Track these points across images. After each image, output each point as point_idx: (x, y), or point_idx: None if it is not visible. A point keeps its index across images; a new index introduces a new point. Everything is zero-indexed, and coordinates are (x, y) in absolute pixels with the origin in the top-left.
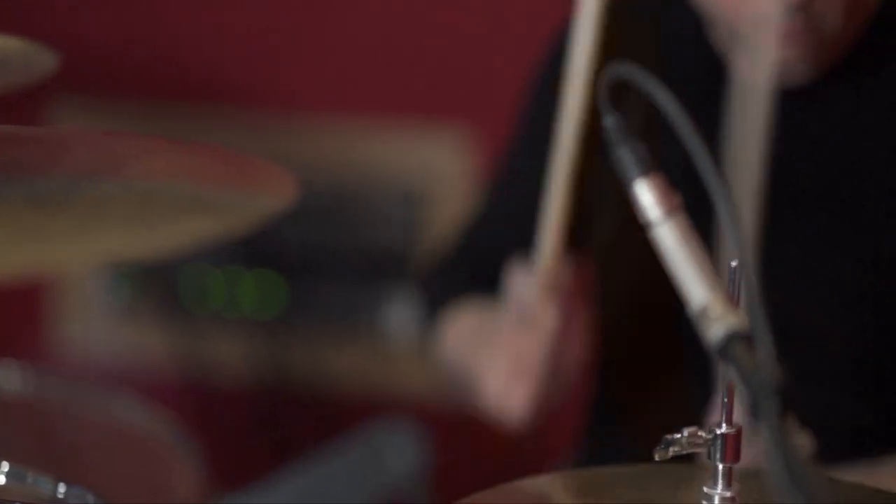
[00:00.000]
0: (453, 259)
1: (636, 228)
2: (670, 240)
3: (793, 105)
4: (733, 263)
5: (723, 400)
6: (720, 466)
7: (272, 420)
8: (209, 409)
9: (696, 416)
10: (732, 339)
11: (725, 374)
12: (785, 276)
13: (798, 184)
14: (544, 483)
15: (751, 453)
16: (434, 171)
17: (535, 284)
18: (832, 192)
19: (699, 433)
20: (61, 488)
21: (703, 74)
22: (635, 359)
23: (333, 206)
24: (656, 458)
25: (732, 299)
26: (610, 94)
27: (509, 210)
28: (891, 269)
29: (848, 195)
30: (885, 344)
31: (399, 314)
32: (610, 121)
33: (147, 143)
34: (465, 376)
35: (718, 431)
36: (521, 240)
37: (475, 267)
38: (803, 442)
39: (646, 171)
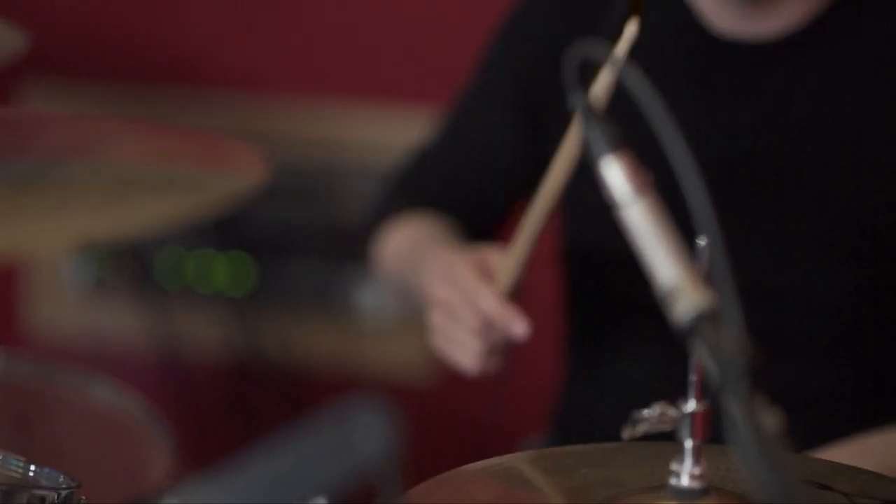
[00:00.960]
0: (397, 189)
1: (606, 205)
2: (639, 218)
3: (770, 60)
4: (702, 242)
5: (692, 378)
6: (689, 444)
7: (243, 398)
8: (181, 388)
9: (668, 395)
10: (701, 317)
11: (695, 352)
12: (763, 242)
13: (776, 144)
14: (512, 462)
15: None
16: (403, 148)
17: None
18: (810, 153)
19: (668, 411)
20: (32, 469)
21: (676, 37)
22: (607, 337)
23: (306, 186)
24: (624, 436)
25: (701, 278)
26: (577, 71)
27: (457, 149)
28: (873, 234)
29: (827, 156)
30: (866, 310)
31: (370, 292)
32: (577, 98)
33: (119, 125)
34: (412, 287)
35: (687, 409)
36: (467, 179)
37: (419, 198)
38: (772, 420)
39: (614, 149)
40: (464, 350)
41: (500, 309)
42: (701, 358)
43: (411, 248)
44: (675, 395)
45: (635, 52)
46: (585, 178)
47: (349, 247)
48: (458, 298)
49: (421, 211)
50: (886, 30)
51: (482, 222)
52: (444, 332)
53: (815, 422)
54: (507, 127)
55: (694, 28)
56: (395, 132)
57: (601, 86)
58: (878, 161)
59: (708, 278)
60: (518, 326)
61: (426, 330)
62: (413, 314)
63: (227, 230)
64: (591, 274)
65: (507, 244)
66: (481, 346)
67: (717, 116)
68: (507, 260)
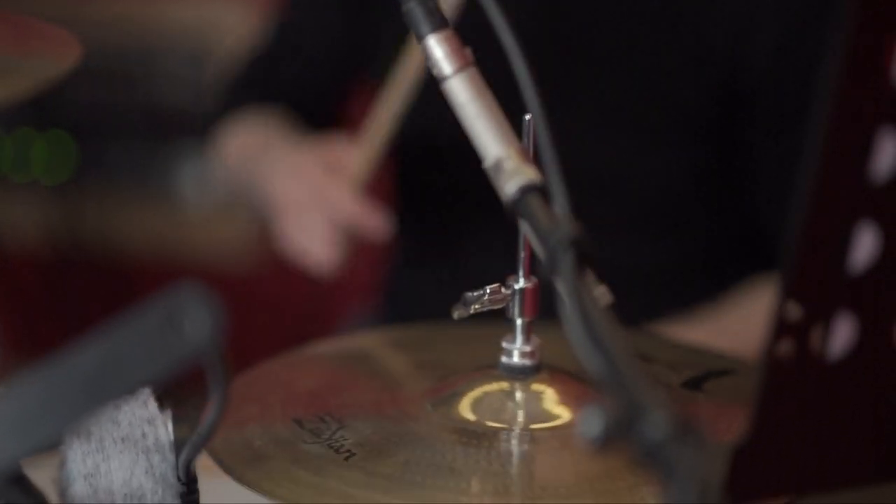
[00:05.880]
0: (239, 84)
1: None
2: (463, 95)
3: None
4: (527, 117)
5: (520, 254)
6: (519, 321)
7: (65, 287)
8: (2, 278)
9: (498, 272)
10: (526, 192)
11: (522, 228)
12: (588, 123)
13: (600, 27)
14: (337, 346)
15: None
16: (220, 27)
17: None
18: (633, 36)
19: (501, 289)
20: None
21: None
22: (436, 212)
23: (121, 67)
24: (455, 316)
25: (527, 153)
26: None
27: (295, 40)
28: (698, 117)
29: (650, 39)
30: (689, 191)
31: (191, 174)
32: None
33: None
34: (251, 188)
35: (517, 286)
36: (306, 70)
37: (259, 94)
38: (601, 295)
39: (437, 26)
40: (315, 248)
41: (353, 205)
42: (528, 233)
43: (251, 146)
44: (505, 273)
45: None
46: None
47: (169, 129)
48: (308, 197)
49: (260, 109)
50: None
51: (320, 110)
52: (295, 232)
53: (641, 300)
54: (331, 10)
55: None
56: (211, 11)
57: None
58: (701, 46)
59: (533, 154)
60: (373, 221)
61: (250, 215)
62: (236, 200)
63: (47, 114)
64: (421, 155)
65: (353, 135)
66: (333, 242)
67: None
68: (359, 152)
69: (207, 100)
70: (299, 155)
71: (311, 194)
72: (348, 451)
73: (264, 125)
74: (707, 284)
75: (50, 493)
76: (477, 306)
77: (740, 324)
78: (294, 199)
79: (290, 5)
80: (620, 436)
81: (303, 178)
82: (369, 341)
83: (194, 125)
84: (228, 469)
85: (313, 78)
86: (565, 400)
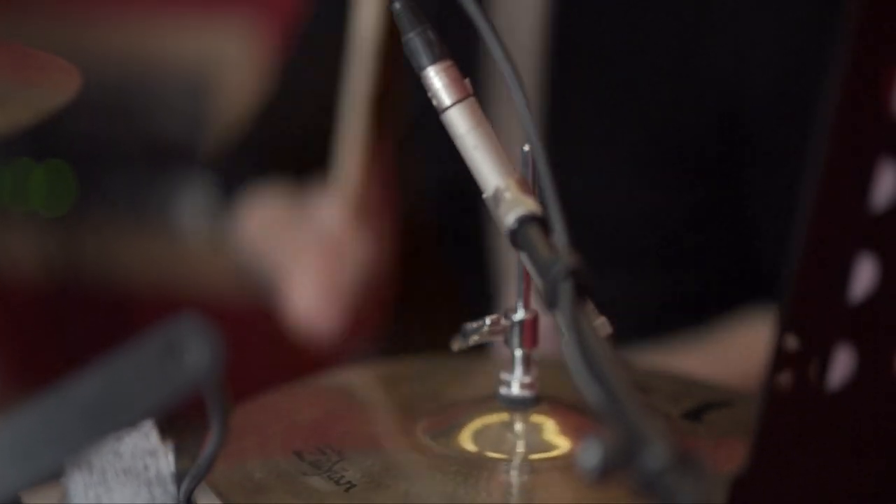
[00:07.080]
0: (246, 142)
1: (433, 115)
2: (462, 126)
3: None
4: (526, 148)
5: (519, 286)
6: (518, 353)
7: (64, 318)
8: (0, 307)
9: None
10: (525, 223)
11: (520, 259)
12: (587, 156)
13: (601, 61)
14: (337, 379)
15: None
16: (219, 60)
17: (340, 212)
18: (634, 70)
19: (501, 321)
20: None
21: None
22: (438, 248)
23: (120, 98)
24: (454, 348)
25: (525, 184)
26: None
27: (300, 90)
28: (697, 152)
29: (643, 71)
30: (684, 221)
31: (189, 206)
32: (398, 5)
33: None
34: (265, 269)
35: (515, 318)
36: (313, 120)
37: (268, 149)
38: (600, 326)
39: (436, 58)
40: (305, 290)
41: (342, 225)
42: (526, 264)
43: (265, 230)
44: (506, 306)
45: None
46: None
47: (168, 160)
48: (299, 232)
49: (270, 176)
50: None
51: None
52: (286, 277)
53: (636, 334)
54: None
55: None
56: (209, 42)
57: None
58: (698, 80)
59: (532, 185)
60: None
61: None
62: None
63: (46, 144)
64: (420, 187)
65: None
66: (323, 282)
67: (547, 28)
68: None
69: (216, 154)
70: (298, 239)
71: (300, 230)
72: (349, 482)
73: (275, 207)
74: (702, 320)
75: None
76: (476, 337)
77: (733, 354)
78: (297, 259)
79: (294, 55)
80: (620, 466)
81: (292, 220)
82: (369, 373)
83: (191, 156)
84: (229, 502)
85: (318, 135)
86: (565, 431)
